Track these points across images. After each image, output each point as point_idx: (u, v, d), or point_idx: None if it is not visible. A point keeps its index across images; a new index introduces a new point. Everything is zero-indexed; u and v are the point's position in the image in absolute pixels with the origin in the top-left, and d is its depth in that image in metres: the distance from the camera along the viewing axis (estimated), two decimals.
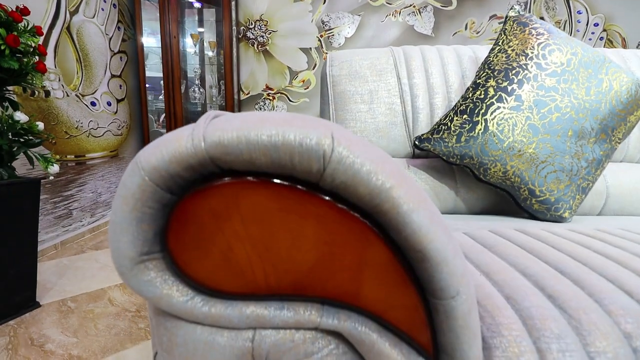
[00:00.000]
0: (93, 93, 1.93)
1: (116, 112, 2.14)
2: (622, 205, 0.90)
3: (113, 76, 2.11)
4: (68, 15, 1.75)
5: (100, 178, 2.01)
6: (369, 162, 0.29)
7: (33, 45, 1.11)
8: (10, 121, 1.06)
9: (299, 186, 0.31)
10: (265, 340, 0.32)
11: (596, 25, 2.63)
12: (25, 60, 1.10)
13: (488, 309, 0.39)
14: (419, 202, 0.30)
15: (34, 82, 1.11)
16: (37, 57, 1.13)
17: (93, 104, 1.93)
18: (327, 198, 0.31)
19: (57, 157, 1.72)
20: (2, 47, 1.00)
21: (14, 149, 1.11)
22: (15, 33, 1.03)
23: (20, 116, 1.08)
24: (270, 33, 2.70)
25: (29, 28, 1.10)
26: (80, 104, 1.84)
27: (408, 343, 0.33)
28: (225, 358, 0.31)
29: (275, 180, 0.30)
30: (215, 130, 0.29)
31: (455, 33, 2.67)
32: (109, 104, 2.06)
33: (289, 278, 0.32)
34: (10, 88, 1.14)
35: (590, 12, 2.62)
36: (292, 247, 0.31)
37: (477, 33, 2.67)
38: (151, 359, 0.96)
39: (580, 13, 2.63)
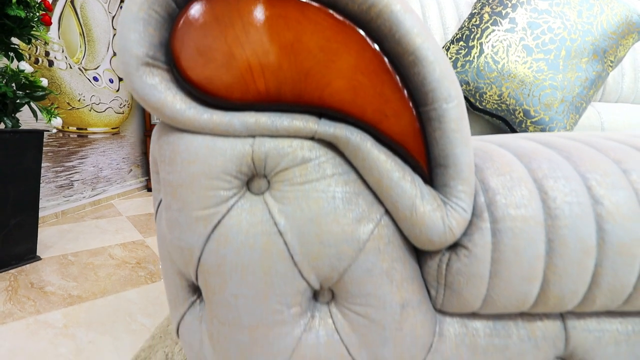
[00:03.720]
0: (95, 68, 1.96)
1: (118, 90, 2.16)
2: None
3: (115, 54, 2.13)
4: None
5: (101, 153, 2.03)
6: None
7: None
8: (16, 70, 1.08)
9: None
10: (264, 144, 0.33)
11: None
12: (30, 14, 1.12)
13: (479, 148, 0.40)
14: (410, 9, 0.32)
15: (39, 34, 1.13)
16: (42, 11, 1.15)
17: (95, 79, 1.95)
18: (323, 6, 0.32)
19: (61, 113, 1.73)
20: None
21: (17, 101, 1.12)
22: None
23: (25, 66, 1.10)
24: None
25: None
26: (83, 77, 1.86)
27: (403, 158, 0.35)
28: (226, 159, 0.32)
29: None
30: None
31: None
32: (111, 81, 2.09)
33: (288, 84, 0.33)
34: (15, 42, 1.16)
35: None
36: (291, 53, 0.32)
37: None
38: (153, 300, 0.96)
39: None
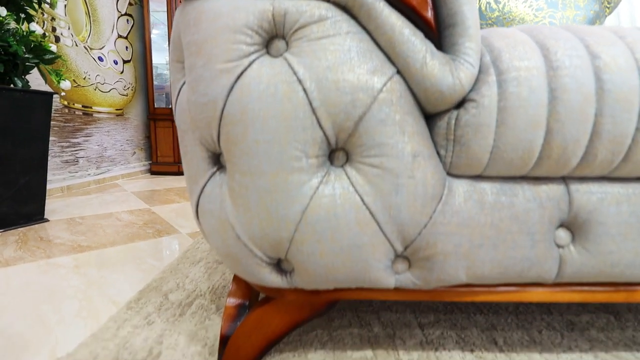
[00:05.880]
0: (100, 49, 1.98)
1: (122, 72, 2.19)
2: None
3: (120, 36, 2.16)
4: None
5: (106, 133, 2.05)
6: None
7: None
8: (26, 31, 1.10)
9: None
10: (283, 3, 0.35)
11: None
12: None
13: (483, 32, 0.42)
14: None
15: None
16: None
17: (100, 59, 1.98)
18: None
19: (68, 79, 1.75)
20: None
21: (27, 63, 1.15)
22: None
23: (35, 27, 1.12)
24: None
25: None
26: (88, 56, 1.89)
27: (415, 23, 0.37)
28: (248, 14, 0.34)
29: None
30: None
31: None
32: (115, 62, 2.11)
33: None
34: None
35: None
36: None
37: None
38: (162, 249, 0.98)
39: None
